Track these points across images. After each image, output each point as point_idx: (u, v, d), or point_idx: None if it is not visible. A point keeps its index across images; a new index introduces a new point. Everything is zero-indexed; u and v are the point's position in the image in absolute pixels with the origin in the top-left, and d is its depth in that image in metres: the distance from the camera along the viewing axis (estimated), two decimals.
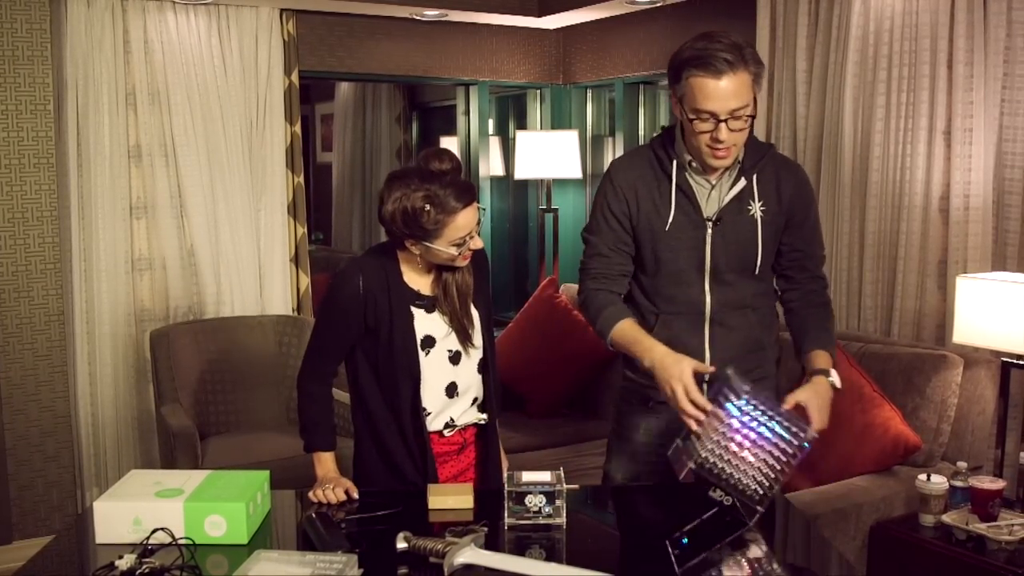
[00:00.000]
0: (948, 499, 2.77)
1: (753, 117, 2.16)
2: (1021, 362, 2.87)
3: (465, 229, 2.19)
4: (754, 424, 1.91)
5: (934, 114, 3.30)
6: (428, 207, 2.13)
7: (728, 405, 1.94)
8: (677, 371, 2.06)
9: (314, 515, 2.00)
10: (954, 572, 2.62)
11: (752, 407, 1.93)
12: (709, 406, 1.99)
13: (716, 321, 2.31)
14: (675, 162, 2.27)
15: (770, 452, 1.89)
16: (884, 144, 3.47)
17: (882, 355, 3.17)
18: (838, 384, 2.24)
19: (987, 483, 2.69)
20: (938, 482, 2.76)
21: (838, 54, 3.59)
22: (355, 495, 2.19)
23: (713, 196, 2.28)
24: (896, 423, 2.95)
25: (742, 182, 2.26)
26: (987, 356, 3.07)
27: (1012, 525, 2.63)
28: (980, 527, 2.63)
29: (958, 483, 2.76)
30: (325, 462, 2.31)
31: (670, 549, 1.84)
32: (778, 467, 1.88)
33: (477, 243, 2.24)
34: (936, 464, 3.05)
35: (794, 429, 1.90)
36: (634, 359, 2.23)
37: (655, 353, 2.13)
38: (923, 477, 2.79)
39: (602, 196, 2.36)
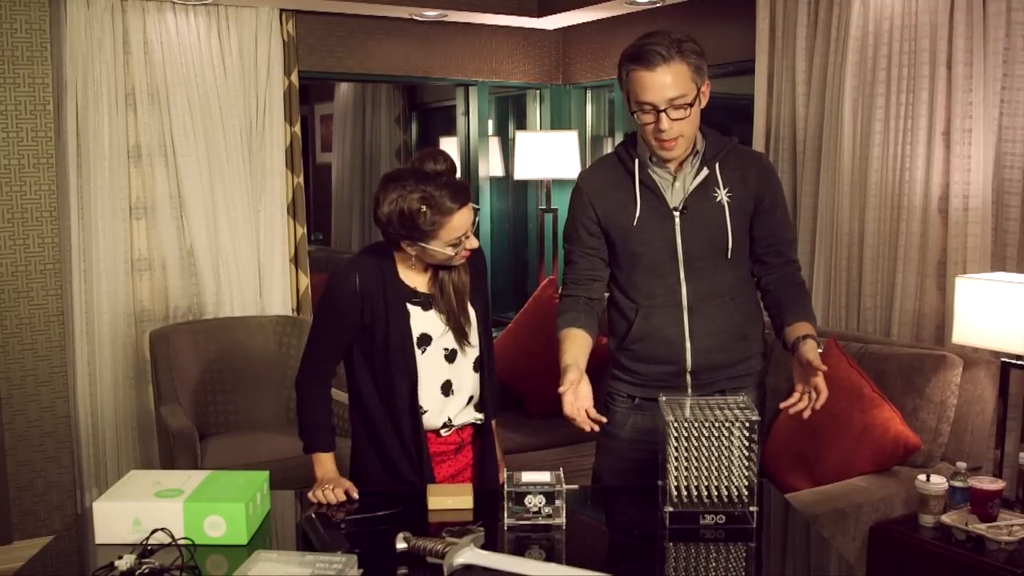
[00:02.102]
0: (948, 499, 2.77)
1: (691, 106, 2.22)
2: (1020, 362, 2.87)
3: (461, 230, 2.19)
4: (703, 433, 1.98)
5: (933, 114, 3.30)
6: (424, 208, 2.14)
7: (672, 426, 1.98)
8: (572, 400, 2.13)
9: (314, 515, 2.00)
10: (953, 572, 2.62)
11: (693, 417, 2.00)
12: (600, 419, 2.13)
13: (694, 310, 2.36)
14: (637, 160, 2.35)
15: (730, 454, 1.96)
16: (883, 144, 3.47)
17: (881, 355, 3.17)
18: (821, 349, 2.28)
19: (986, 483, 2.69)
20: (937, 482, 2.76)
21: (837, 55, 3.59)
22: (355, 495, 2.19)
23: (678, 187, 2.35)
24: (895, 423, 2.95)
25: (705, 171, 2.34)
26: (986, 356, 3.07)
27: (1011, 525, 2.63)
28: (979, 527, 2.63)
29: (957, 483, 2.76)
30: (324, 463, 2.30)
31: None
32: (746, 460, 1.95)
33: (473, 243, 2.25)
34: (935, 464, 3.05)
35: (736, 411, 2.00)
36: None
37: (565, 368, 2.21)
38: (922, 477, 2.79)
39: (571, 205, 2.46)
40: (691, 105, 2.21)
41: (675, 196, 2.34)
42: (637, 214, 2.33)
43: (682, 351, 2.36)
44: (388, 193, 2.16)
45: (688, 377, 2.38)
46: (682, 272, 2.35)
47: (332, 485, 2.21)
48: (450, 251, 2.21)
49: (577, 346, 2.31)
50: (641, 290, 2.38)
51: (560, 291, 2.50)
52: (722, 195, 2.32)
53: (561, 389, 2.13)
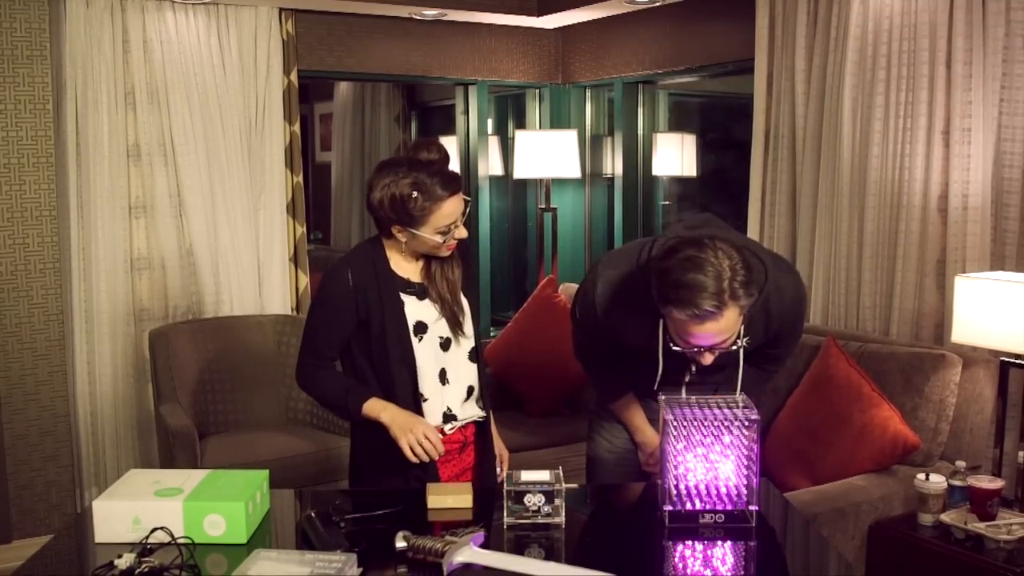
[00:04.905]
0: (947, 498, 2.77)
1: (740, 338, 2.10)
2: (1019, 361, 2.87)
3: (450, 217, 2.22)
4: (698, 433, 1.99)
5: (933, 114, 3.30)
6: (415, 194, 2.18)
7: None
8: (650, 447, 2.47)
9: (313, 514, 2.00)
10: (952, 571, 2.62)
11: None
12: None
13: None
14: (662, 323, 2.16)
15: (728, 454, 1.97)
16: (883, 144, 3.47)
17: (881, 354, 3.18)
18: None
19: (985, 482, 2.69)
20: (937, 481, 2.77)
21: (837, 54, 3.59)
22: (441, 432, 2.26)
23: None
24: (895, 422, 2.95)
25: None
26: (986, 355, 3.07)
27: (1010, 524, 2.63)
28: (979, 526, 2.63)
29: (957, 482, 2.76)
30: (382, 405, 2.26)
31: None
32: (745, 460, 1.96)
33: (462, 232, 2.28)
34: (935, 463, 3.05)
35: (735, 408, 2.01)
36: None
37: (643, 430, 2.51)
38: (922, 476, 2.79)
39: (587, 319, 2.33)
40: (739, 339, 2.09)
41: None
42: (659, 373, 2.25)
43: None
44: (381, 178, 2.21)
45: (682, 389, 2.43)
46: (683, 389, 2.38)
47: (421, 431, 2.20)
48: (439, 238, 2.23)
49: (641, 416, 2.51)
50: (631, 376, 2.47)
51: (581, 358, 2.53)
52: (741, 343, 2.13)
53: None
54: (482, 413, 2.42)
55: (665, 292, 1.98)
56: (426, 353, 2.31)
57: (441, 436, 2.34)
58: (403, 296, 2.30)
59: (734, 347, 2.11)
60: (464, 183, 5.25)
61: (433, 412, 2.33)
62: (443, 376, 2.34)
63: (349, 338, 2.32)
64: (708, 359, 2.12)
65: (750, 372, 2.41)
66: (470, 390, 2.39)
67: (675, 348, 2.11)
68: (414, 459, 2.21)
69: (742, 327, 2.09)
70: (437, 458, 2.22)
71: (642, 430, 2.52)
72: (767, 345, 2.37)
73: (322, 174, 7.55)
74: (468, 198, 2.29)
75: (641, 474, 2.58)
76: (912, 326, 3.42)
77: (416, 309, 2.31)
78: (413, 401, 2.29)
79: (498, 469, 2.50)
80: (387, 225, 2.25)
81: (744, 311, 2.01)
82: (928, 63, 3.29)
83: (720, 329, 1.99)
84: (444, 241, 2.24)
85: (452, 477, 2.38)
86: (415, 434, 2.20)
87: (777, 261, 2.32)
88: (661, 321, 2.15)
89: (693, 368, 2.31)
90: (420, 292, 2.32)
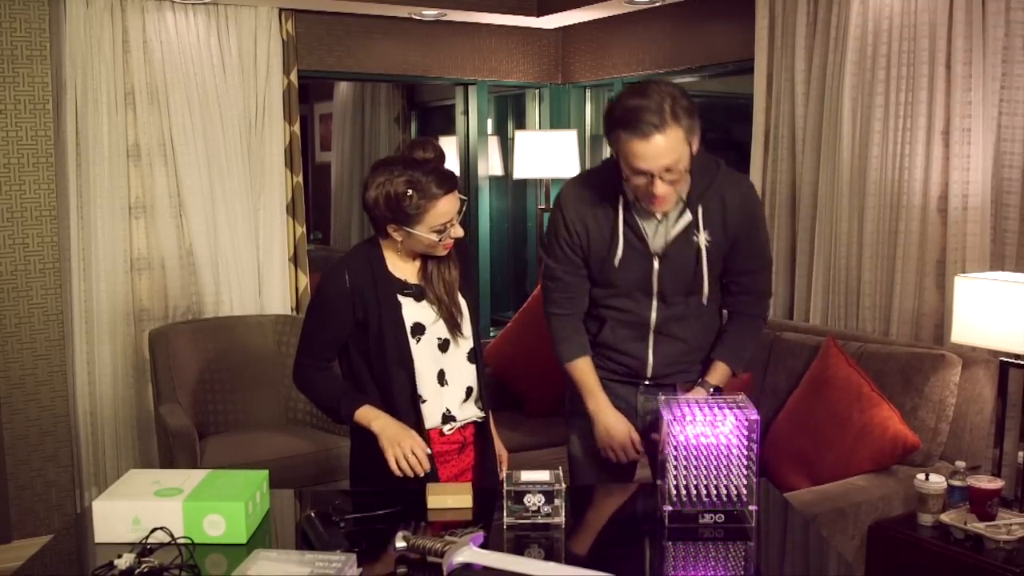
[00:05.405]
0: (946, 498, 2.77)
1: (686, 169, 2.22)
2: (1019, 362, 2.87)
3: (446, 216, 2.22)
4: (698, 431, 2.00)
5: (932, 114, 3.30)
6: (410, 191, 2.18)
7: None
8: (620, 435, 2.46)
9: (313, 514, 2.00)
10: (952, 571, 2.62)
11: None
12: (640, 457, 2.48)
13: (661, 332, 2.46)
14: (622, 198, 2.36)
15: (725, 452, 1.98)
16: (883, 144, 3.47)
17: (880, 354, 3.18)
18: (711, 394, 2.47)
19: (985, 482, 2.70)
20: (936, 481, 2.77)
21: (837, 54, 3.59)
22: (429, 450, 2.23)
23: (660, 230, 2.39)
24: (894, 422, 2.95)
25: (688, 216, 2.35)
26: (985, 356, 3.07)
27: (1010, 524, 2.63)
28: (978, 526, 2.63)
29: (956, 482, 2.76)
30: (374, 414, 2.26)
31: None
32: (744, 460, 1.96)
33: (458, 231, 2.28)
34: (934, 463, 3.05)
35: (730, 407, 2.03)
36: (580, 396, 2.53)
37: (601, 411, 2.48)
38: (921, 476, 2.79)
39: (555, 224, 2.48)
40: (687, 169, 2.23)
41: (657, 240, 2.39)
42: (619, 255, 2.38)
43: (643, 360, 2.48)
44: (376, 177, 2.22)
45: (648, 372, 2.51)
46: (654, 303, 2.43)
47: (408, 446, 2.20)
48: (435, 237, 2.23)
49: (594, 377, 2.49)
50: (612, 307, 2.48)
51: (548, 307, 2.54)
52: (701, 239, 2.35)
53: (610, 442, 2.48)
54: (481, 414, 2.42)
55: (614, 121, 2.19)
56: (424, 354, 2.30)
57: (440, 436, 2.34)
58: (400, 298, 2.30)
59: (695, 237, 2.31)
60: (464, 183, 5.27)
61: (432, 413, 2.33)
62: (441, 377, 2.34)
63: (346, 339, 2.32)
64: (661, 188, 2.20)
65: (735, 327, 2.49)
66: (469, 391, 2.39)
67: (629, 176, 2.23)
68: (398, 472, 2.21)
69: (700, 217, 2.31)
70: (422, 475, 2.21)
71: (595, 396, 2.48)
72: (733, 264, 2.42)
73: (322, 174, 7.55)
74: (464, 197, 2.29)
75: (619, 472, 2.59)
76: (912, 326, 3.42)
77: (414, 310, 2.30)
78: (411, 403, 2.29)
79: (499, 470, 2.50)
80: (383, 224, 2.25)
81: (688, 138, 2.18)
82: (928, 63, 3.29)
83: (665, 149, 2.14)
84: (440, 240, 2.24)
85: (451, 477, 2.38)
86: (403, 448, 2.21)
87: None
88: (621, 206, 2.35)
89: (656, 263, 2.36)
90: (418, 293, 2.32)
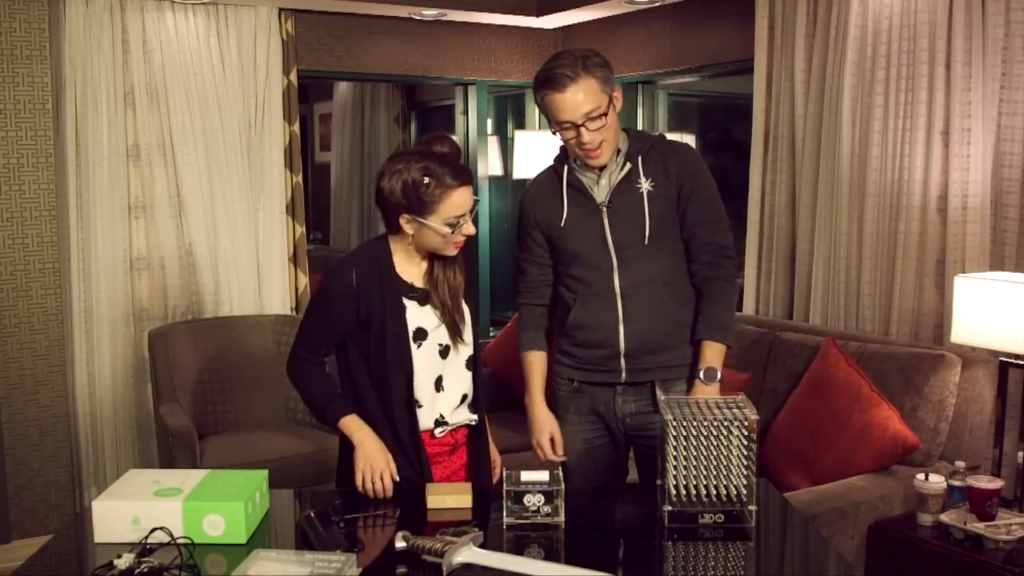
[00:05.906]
0: (946, 498, 2.77)
1: (606, 115, 2.37)
2: (1019, 362, 2.87)
3: (459, 208, 2.22)
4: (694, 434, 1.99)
5: (932, 114, 3.30)
6: (426, 179, 2.20)
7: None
8: (538, 433, 2.59)
9: (312, 514, 2.00)
10: (952, 571, 2.62)
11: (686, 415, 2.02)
12: (563, 457, 2.59)
13: (627, 296, 2.49)
14: (566, 166, 2.53)
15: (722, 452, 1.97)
16: (882, 144, 3.47)
17: (880, 354, 3.18)
18: (720, 379, 2.47)
19: (985, 482, 2.70)
20: (936, 481, 2.77)
21: (836, 54, 3.59)
22: (396, 478, 2.23)
23: (604, 184, 2.50)
24: (894, 423, 2.95)
25: (628, 166, 2.47)
26: (985, 356, 3.07)
27: (1010, 524, 2.63)
28: (978, 526, 2.63)
29: (956, 482, 2.76)
30: (360, 425, 2.28)
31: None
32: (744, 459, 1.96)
33: (470, 228, 2.28)
34: (934, 463, 3.05)
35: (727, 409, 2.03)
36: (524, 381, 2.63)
37: (533, 405, 2.59)
38: (921, 476, 2.79)
39: (519, 218, 2.66)
40: (605, 115, 2.37)
41: (601, 192, 2.50)
42: (565, 214, 2.50)
43: (615, 335, 2.48)
44: (392, 166, 2.23)
45: (622, 361, 2.50)
46: (614, 261, 2.48)
47: (379, 470, 2.21)
48: (447, 230, 2.23)
49: (539, 374, 2.61)
50: (579, 280, 2.53)
51: (516, 298, 2.68)
52: (644, 185, 2.46)
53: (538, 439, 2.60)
54: (474, 417, 2.42)
55: (537, 84, 2.42)
56: (424, 360, 2.30)
57: (432, 439, 2.34)
58: (405, 301, 2.29)
59: (637, 185, 2.44)
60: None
61: (425, 418, 2.32)
62: (439, 383, 2.33)
63: (346, 337, 2.32)
64: (587, 135, 2.36)
65: (706, 299, 2.51)
66: (463, 397, 2.39)
67: (558, 132, 2.42)
68: (361, 490, 2.22)
69: (640, 166, 2.45)
70: (383, 498, 2.21)
71: (531, 390, 2.59)
72: (686, 216, 2.48)
73: (322, 174, 7.55)
74: (478, 198, 2.31)
75: (608, 470, 2.62)
76: (911, 326, 3.42)
77: (417, 315, 2.30)
78: (407, 407, 2.28)
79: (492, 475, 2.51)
80: (395, 215, 2.24)
81: (604, 89, 2.36)
82: (927, 63, 3.30)
83: (584, 98, 2.34)
84: (452, 234, 2.24)
85: (444, 477, 2.38)
86: (373, 471, 2.22)
87: None
88: (565, 172, 2.51)
89: (605, 217, 2.46)
90: (422, 298, 2.31)
